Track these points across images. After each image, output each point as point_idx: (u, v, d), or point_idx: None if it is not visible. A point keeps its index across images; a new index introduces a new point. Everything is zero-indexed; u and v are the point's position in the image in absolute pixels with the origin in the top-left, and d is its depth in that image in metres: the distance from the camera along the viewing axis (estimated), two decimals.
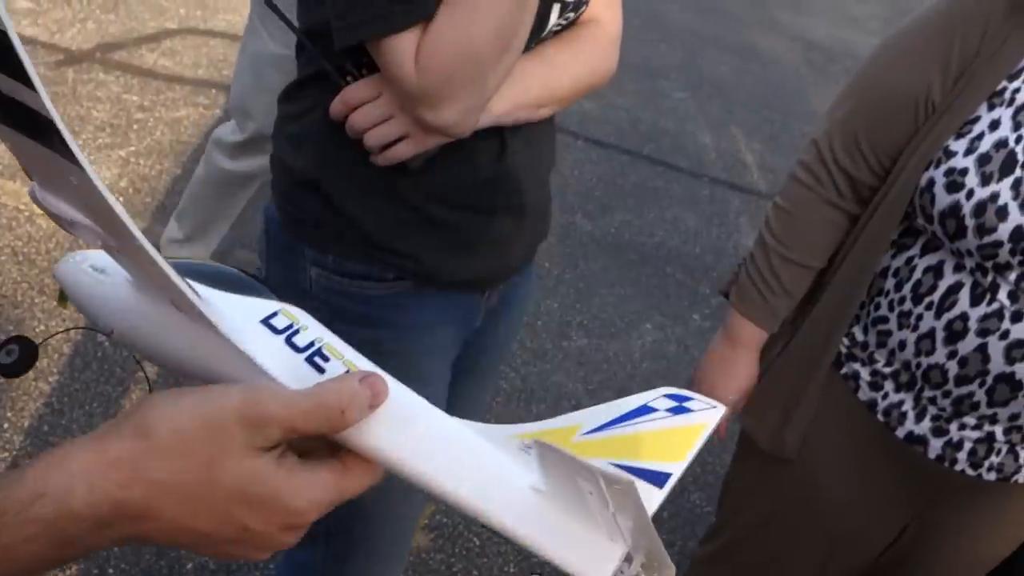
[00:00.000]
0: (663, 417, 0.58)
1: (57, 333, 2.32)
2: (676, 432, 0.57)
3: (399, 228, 1.08)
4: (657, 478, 0.52)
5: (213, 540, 0.51)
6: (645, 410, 0.58)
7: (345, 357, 0.58)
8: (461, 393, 1.32)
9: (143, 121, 3.33)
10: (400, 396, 0.56)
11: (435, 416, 0.56)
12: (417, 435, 0.54)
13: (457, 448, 0.54)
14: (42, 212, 0.54)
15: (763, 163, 4.16)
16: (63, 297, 0.65)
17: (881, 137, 1.18)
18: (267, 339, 0.57)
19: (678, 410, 0.59)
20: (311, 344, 0.57)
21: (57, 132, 0.44)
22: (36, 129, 0.45)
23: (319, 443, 0.54)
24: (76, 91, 3.41)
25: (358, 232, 1.08)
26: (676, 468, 0.53)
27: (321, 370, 0.56)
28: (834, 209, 1.25)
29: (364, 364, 0.58)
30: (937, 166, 1.12)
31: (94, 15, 3.95)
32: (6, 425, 2.12)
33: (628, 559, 0.50)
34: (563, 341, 2.82)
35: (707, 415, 0.59)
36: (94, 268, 0.62)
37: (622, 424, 0.57)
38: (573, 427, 0.57)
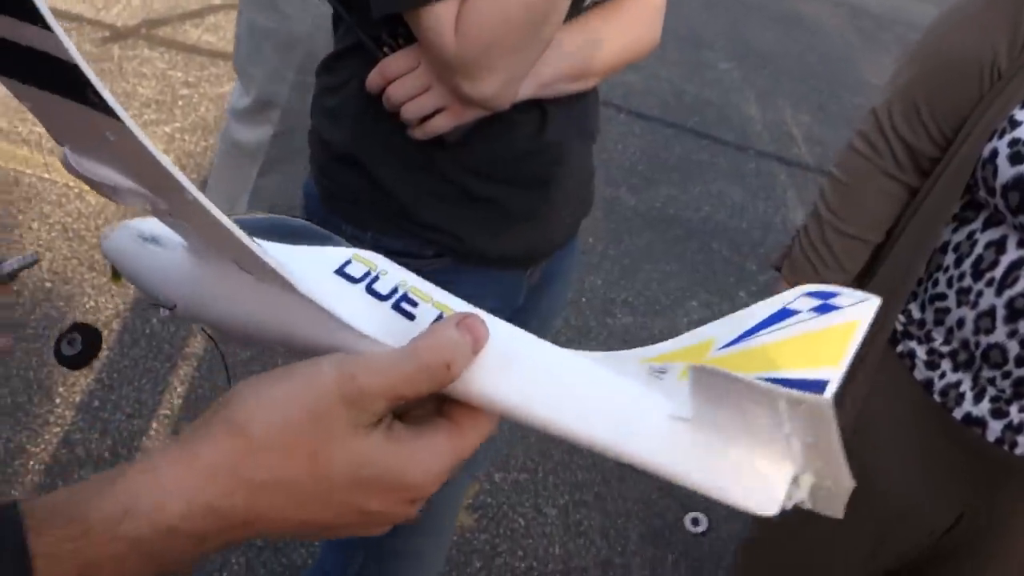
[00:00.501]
0: (808, 319, 0.50)
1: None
2: (827, 333, 0.48)
3: (437, 203, 1.06)
4: (815, 387, 0.43)
5: (330, 528, 0.48)
6: (785, 314, 0.50)
7: (434, 299, 0.53)
8: None
9: (188, 97, 3.35)
10: (503, 334, 0.50)
11: (547, 350, 0.50)
12: (530, 374, 0.48)
13: (579, 382, 0.48)
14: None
15: (811, 135, 4.08)
16: (116, 274, 0.60)
17: (943, 106, 1.13)
18: (346, 290, 0.51)
19: (824, 308, 0.51)
20: (395, 289, 0.52)
21: (89, 83, 0.39)
22: (64, 83, 0.40)
23: (425, 401, 0.49)
24: (122, 68, 3.44)
25: (396, 207, 1.06)
26: (834, 374, 0.44)
27: (411, 316, 0.51)
28: (892, 180, 1.21)
29: (456, 304, 0.53)
30: (1001, 136, 1.07)
31: None
32: (58, 400, 2.15)
33: (795, 481, 0.45)
34: (608, 318, 2.80)
35: (860, 310, 0.50)
36: (144, 238, 0.56)
37: (762, 333, 0.49)
38: (705, 343, 0.50)
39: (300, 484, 0.45)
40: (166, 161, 0.42)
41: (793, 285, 1.27)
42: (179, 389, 2.27)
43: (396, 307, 0.51)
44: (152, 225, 0.56)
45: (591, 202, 1.25)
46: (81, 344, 0.56)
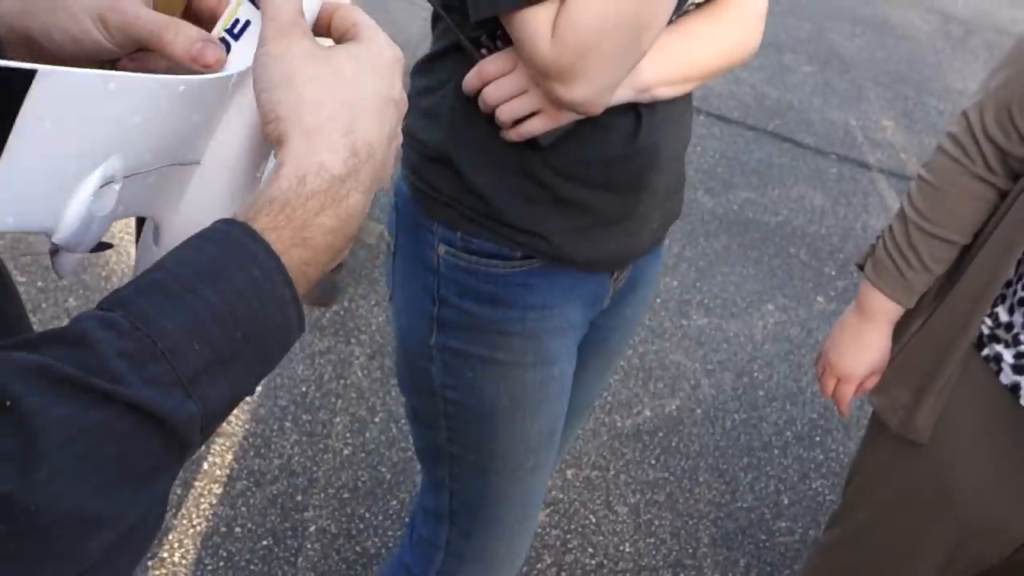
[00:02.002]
0: None
1: None
2: None
3: (528, 205, 1.06)
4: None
5: (389, 138, 0.58)
6: None
7: None
8: (585, 374, 1.31)
9: None
10: None
11: None
12: None
13: None
14: None
15: (895, 141, 4.00)
16: None
17: None
18: None
19: None
20: None
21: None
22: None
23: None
24: None
25: (487, 209, 1.07)
26: None
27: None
28: (982, 183, 1.19)
29: None
30: None
31: None
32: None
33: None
34: (683, 320, 2.79)
35: None
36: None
37: None
38: None
39: (352, 95, 0.55)
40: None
41: (876, 286, 1.27)
42: None
43: None
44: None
45: (680, 208, 1.25)
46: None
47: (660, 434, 2.39)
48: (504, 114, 0.99)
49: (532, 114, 0.99)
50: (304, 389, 2.32)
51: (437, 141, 1.08)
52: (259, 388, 2.26)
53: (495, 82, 0.99)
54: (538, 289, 1.11)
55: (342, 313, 2.56)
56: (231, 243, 0.49)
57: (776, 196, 3.46)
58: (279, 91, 0.54)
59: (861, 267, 1.32)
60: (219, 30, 0.58)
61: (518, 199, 1.06)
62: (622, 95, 1.00)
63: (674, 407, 2.48)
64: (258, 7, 0.57)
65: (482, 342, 1.13)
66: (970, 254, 1.23)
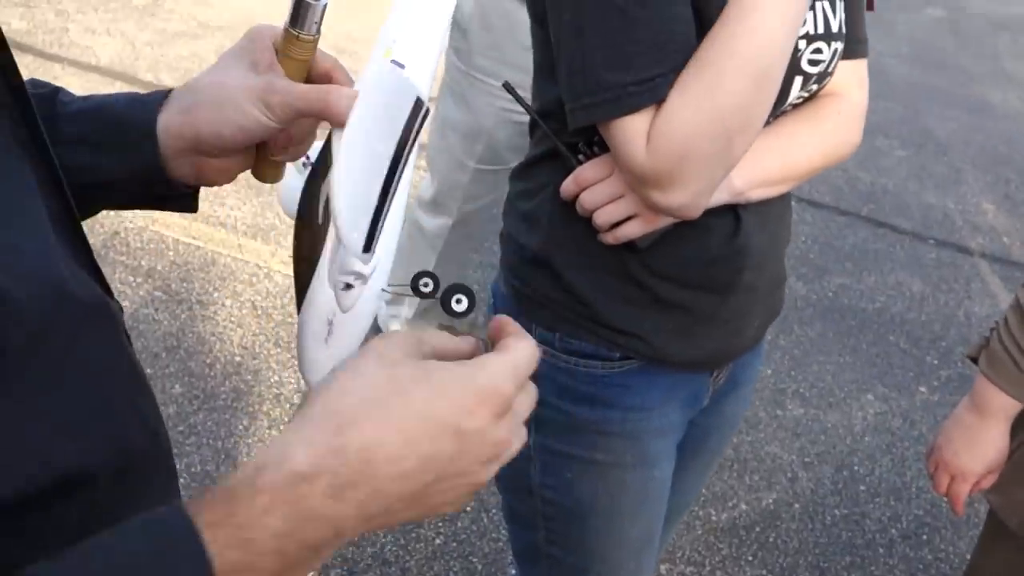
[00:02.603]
0: None
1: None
2: None
3: (628, 306, 1.06)
4: None
5: (438, 465, 0.50)
6: None
7: None
8: (685, 474, 1.29)
9: None
10: None
11: None
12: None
13: None
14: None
15: (996, 225, 3.88)
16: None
17: None
18: None
19: None
20: None
21: None
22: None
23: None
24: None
25: (586, 310, 1.07)
26: None
27: None
28: None
29: None
30: None
31: None
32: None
33: None
34: (778, 410, 2.72)
35: None
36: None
37: None
38: None
39: (388, 404, 0.49)
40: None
41: (992, 381, 1.22)
42: None
43: None
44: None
45: (780, 306, 1.23)
46: (467, 303, 0.64)
47: (757, 529, 2.31)
48: (601, 218, 1.00)
49: (629, 218, 1.00)
50: None
51: (536, 244, 1.09)
52: None
53: (592, 187, 1.00)
54: (637, 390, 1.11)
55: None
56: (164, 539, 0.45)
57: (872, 282, 3.38)
58: (337, 373, 0.52)
59: (974, 360, 1.28)
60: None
61: (617, 300, 1.06)
62: (719, 198, 1.00)
63: (771, 500, 2.40)
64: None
65: (581, 443, 1.12)
66: None
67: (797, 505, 2.40)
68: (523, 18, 1.96)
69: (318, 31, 0.65)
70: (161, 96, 0.68)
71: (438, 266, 2.38)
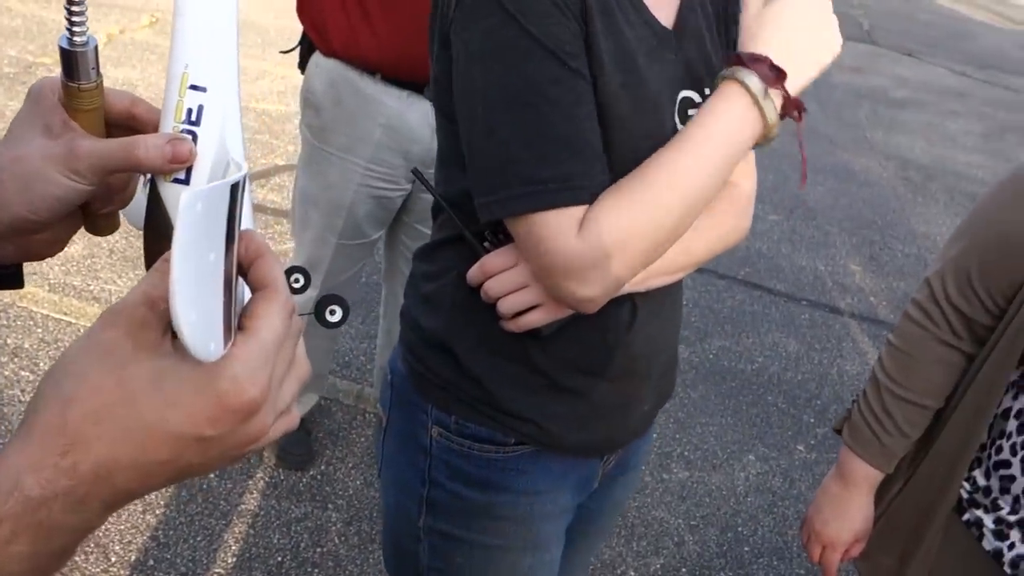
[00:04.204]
0: None
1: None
2: None
3: (527, 394, 1.07)
4: None
5: (185, 467, 0.49)
6: None
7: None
8: (573, 554, 1.30)
9: None
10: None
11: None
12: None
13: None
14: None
15: (864, 286, 4.08)
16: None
17: (996, 277, 1.14)
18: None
19: None
20: None
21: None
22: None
23: None
24: None
25: (483, 394, 1.07)
26: None
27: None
28: (949, 348, 1.21)
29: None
30: None
31: None
32: (113, 558, 2.16)
33: None
34: (664, 473, 2.76)
35: None
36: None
37: None
38: None
39: (116, 416, 0.46)
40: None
41: (855, 451, 1.27)
42: (233, 547, 2.26)
43: None
44: None
45: (672, 389, 1.25)
46: (341, 313, 0.62)
47: None
48: (505, 306, 1.01)
49: (533, 307, 1.01)
50: (280, 559, 2.25)
51: (438, 328, 1.09)
52: (232, 559, 2.19)
53: (498, 276, 1.00)
54: (530, 474, 1.11)
55: (319, 477, 2.52)
56: None
57: (750, 344, 3.49)
58: (59, 372, 0.48)
59: (839, 431, 1.33)
60: (171, 124, 0.58)
61: (515, 386, 1.07)
62: (622, 288, 1.01)
63: (659, 566, 2.42)
64: (199, 88, 0.57)
65: (472, 526, 1.12)
66: (943, 418, 1.24)
67: (684, 569, 2.43)
68: (375, 94, 2.00)
69: (98, 74, 0.61)
70: None
71: (310, 341, 2.35)
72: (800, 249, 4.31)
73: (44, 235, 0.65)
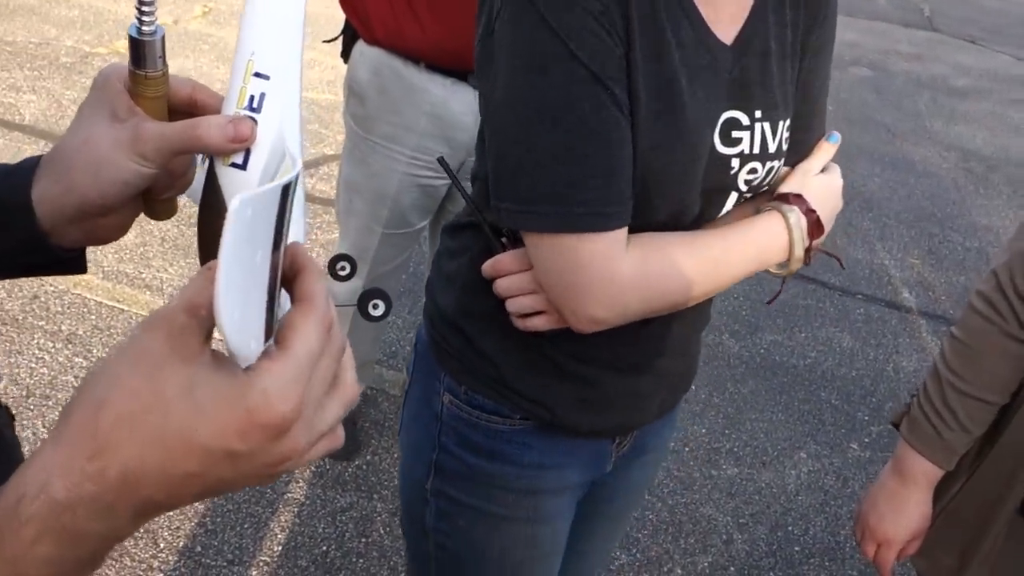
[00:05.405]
0: None
1: None
2: None
3: (534, 376, 1.09)
4: None
5: (213, 482, 0.47)
6: None
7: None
8: (592, 537, 1.31)
9: None
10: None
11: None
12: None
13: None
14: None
15: (921, 280, 3.97)
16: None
17: None
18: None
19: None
20: None
21: None
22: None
23: None
24: None
25: (492, 370, 1.09)
26: None
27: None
28: (1015, 342, 1.15)
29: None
30: None
31: None
32: (162, 544, 2.18)
33: None
34: (712, 469, 2.71)
35: None
36: None
37: None
38: None
39: (147, 423, 0.45)
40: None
41: (914, 448, 1.22)
42: (280, 536, 2.27)
43: None
44: None
45: (691, 382, 1.24)
46: (384, 307, 0.62)
47: None
48: (513, 307, 1.02)
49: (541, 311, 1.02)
50: (325, 548, 2.25)
51: (451, 304, 1.12)
52: (278, 547, 2.20)
53: (508, 277, 1.01)
54: (536, 448, 1.13)
55: (364, 467, 2.52)
56: None
57: (803, 338, 3.42)
58: (97, 374, 0.47)
59: (896, 426, 1.28)
60: (233, 109, 0.60)
61: (524, 369, 1.08)
62: None
63: (706, 564, 2.38)
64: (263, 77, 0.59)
65: (477, 493, 1.15)
66: (1009, 413, 1.19)
67: (732, 568, 2.38)
68: (419, 83, 1.98)
69: (164, 63, 0.64)
70: (30, 166, 0.66)
71: (356, 331, 2.34)
72: (856, 242, 4.21)
73: (109, 219, 0.67)
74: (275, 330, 0.49)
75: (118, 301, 2.98)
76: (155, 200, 0.70)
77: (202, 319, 0.47)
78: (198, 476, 0.47)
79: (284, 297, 0.53)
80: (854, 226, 4.38)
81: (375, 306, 0.62)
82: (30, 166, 0.66)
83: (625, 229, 0.93)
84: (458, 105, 1.99)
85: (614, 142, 0.90)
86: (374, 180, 2.10)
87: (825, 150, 1.11)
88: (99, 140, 0.63)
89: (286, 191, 0.49)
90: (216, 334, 0.47)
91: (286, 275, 0.52)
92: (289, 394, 0.47)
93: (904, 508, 1.26)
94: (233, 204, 0.43)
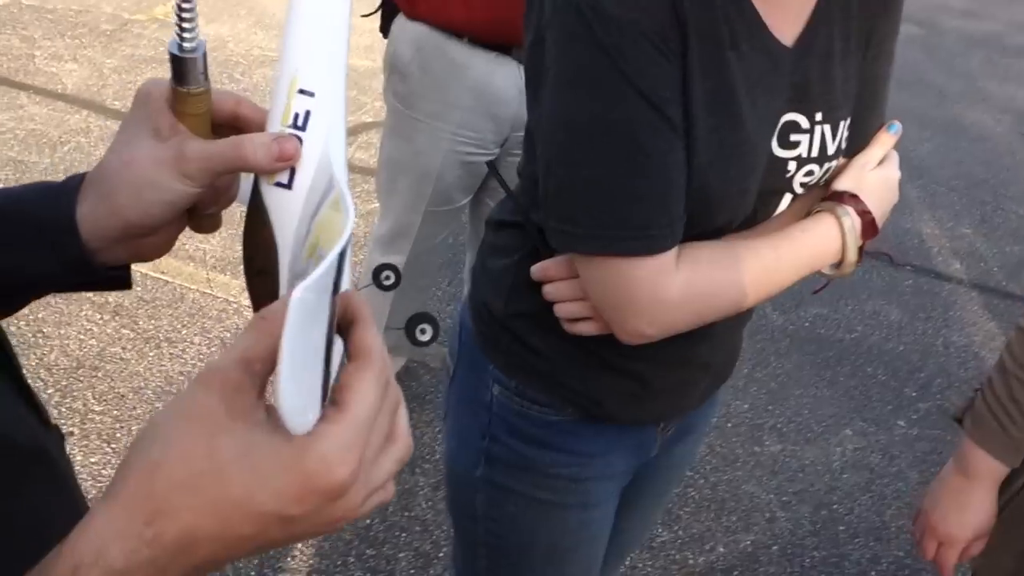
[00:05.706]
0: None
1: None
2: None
3: (583, 371, 1.10)
4: None
5: (266, 540, 0.47)
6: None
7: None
8: (631, 513, 1.34)
9: None
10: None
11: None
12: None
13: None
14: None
15: (973, 250, 3.88)
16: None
17: None
18: None
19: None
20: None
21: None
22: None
23: None
24: None
25: (541, 365, 1.10)
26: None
27: None
28: None
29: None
30: None
31: None
32: None
33: None
34: (755, 446, 2.68)
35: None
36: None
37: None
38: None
39: (204, 487, 0.45)
40: None
41: (978, 444, 1.19)
42: None
43: None
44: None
45: (733, 369, 1.26)
46: (431, 332, 0.62)
47: (735, 573, 2.28)
48: (561, 312, 1.03)
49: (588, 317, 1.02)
50: (368, 521, 2.27)
51: (499, 302, 1.12)
52: None
53: (556, 283, 1.02)
54: (585, 438, 1.15)
55: None
56: None
57: (849, 311, 3.36)
58: (151, 433, 0.46)
59: (959, 421, 1.25)
60: (278, 127, 0.58)
61: (573, 365, 1.09)
62: None
63: (749, 542, 2.36)
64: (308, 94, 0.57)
65: (527, 481, 1.17)
66: None
67: (776, 547, 2.36)
68: (463, 58, 1.94)
69: (206, 79, 0.62)
70: (74, 185, 0.65)
71: (393, 304, 2.34)
72: (904, 210, 4.11)
73: (154, 238, 0.67)
74: (331, 387, 0.48)
75: (162, 273, 3.01)
76: (199, 216, 0.69)
77: (255, 374, 0.47)
78: (252, 539, 0.46)
79: (338, 344, 0.51)
80: (902, 193, 4.26)
81: (423, 331, 0.61)
82: (74, 186, 0.66)
83: (675, 249, 0.92)
84: (502, 80, 1.96)
85: (667, 165, 0.88)
86: (418, 158, 2.08)
87: (884, 141, 1.07)
88: (142, 160, 0.62)
89: (341, 259, 0.47)
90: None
91: (340, 324, 0.50)
92: (348, 458, 0.46)
93: (968, 506, 1.23)
94: (293, 299, 0.42)
